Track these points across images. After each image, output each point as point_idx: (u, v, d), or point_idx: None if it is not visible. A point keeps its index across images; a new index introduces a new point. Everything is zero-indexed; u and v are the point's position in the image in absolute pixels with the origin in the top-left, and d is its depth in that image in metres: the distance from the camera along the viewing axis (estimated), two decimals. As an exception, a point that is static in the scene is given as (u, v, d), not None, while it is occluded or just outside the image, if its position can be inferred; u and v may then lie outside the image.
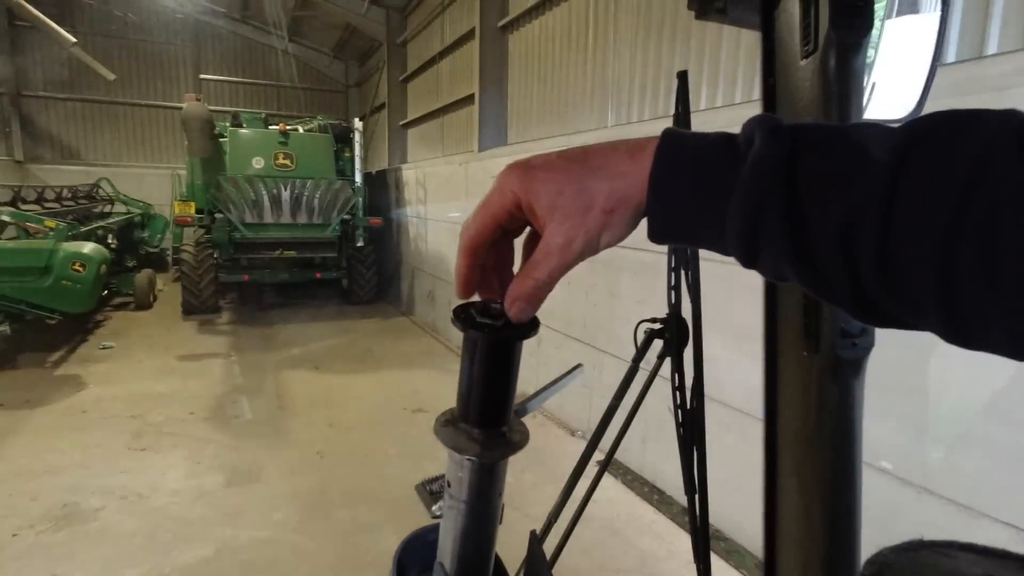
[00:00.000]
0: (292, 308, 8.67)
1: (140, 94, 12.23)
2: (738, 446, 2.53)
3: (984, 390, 1.79)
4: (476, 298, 0.41)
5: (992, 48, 1.94)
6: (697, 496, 1.12)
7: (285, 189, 7.57)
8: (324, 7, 9.67)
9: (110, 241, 7.45)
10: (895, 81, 0.97)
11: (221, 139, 7.98)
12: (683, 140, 0.37)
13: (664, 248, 1.27)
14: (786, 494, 0.57)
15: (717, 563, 2.70)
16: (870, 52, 0.90)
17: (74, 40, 7.73)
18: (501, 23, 5.94)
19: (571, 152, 0.39)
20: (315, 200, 7.76)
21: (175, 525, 3.04)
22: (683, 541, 2.75)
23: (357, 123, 8.33)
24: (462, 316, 0.38)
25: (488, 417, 0.40)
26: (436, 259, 7.59)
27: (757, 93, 2.41)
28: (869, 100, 0.85)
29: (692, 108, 3.81)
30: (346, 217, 8.15)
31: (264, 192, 7.47)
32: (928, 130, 0.31)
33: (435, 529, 0.45)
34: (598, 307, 4.05)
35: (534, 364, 5.01)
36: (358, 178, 8.26)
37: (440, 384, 5.41)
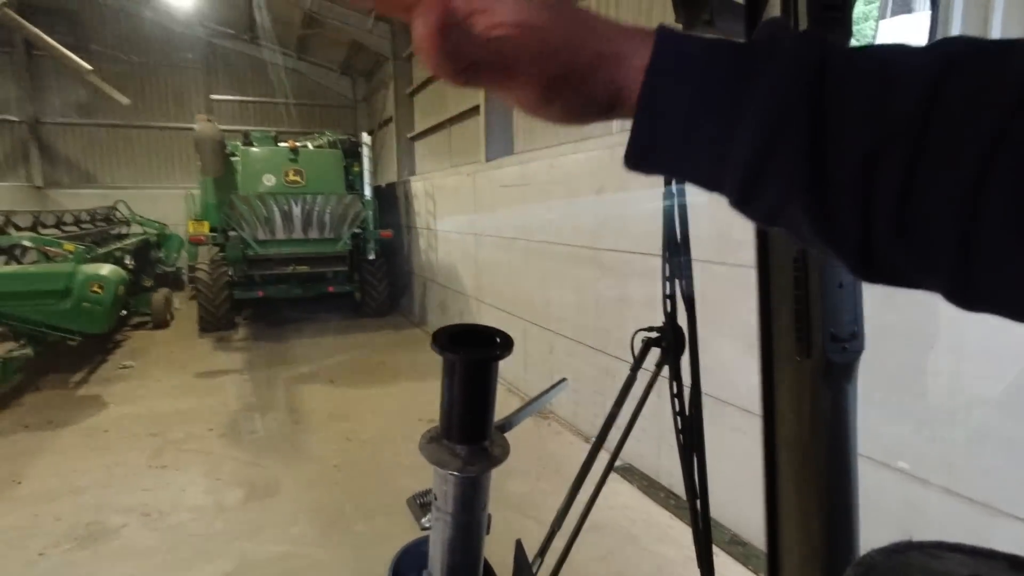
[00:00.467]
0: (306, 322, 8.75)
1: (153, 117, 12.48)
2: (753, 450, 2.51)
3: (997, 385, 1.77)
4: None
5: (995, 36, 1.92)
6: (698, 501, 1.13)
7: (296, 205, 7.69)
8: (330, 25, 9.82)
9: (127, 262, 7.59)
10: None
11: (232, 158, 8.12)
12: (686, 42, 0.32)
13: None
14: (785, 495, 0.57)
15: (735, 568, 2.67)
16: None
17: (90, 68, 7.92)
18: (505, 33, 5.95)
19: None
20: (326, 215, 7.87)
21: (196, 541, 3.08)
22: (701, 547, 2.73)
23: (365, 137, 8.43)
24: (440, 339, 0.40)
25: (469, 433, 0.43)
26: (447, 270, 7.58)
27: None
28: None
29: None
30: (357, 231, 8.24)
31: (276, 209, 7.60)
32: (965, 57, 0.27)
33: (427, 540, 0.47)
34: (609, 314, 4.05)
35: (547, 372, 5.01)
36: (367, 192, 8.36)
37: None
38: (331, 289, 8.51)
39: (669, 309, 1.24)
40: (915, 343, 2.03)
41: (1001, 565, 0.35)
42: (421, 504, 0.47)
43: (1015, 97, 0.25)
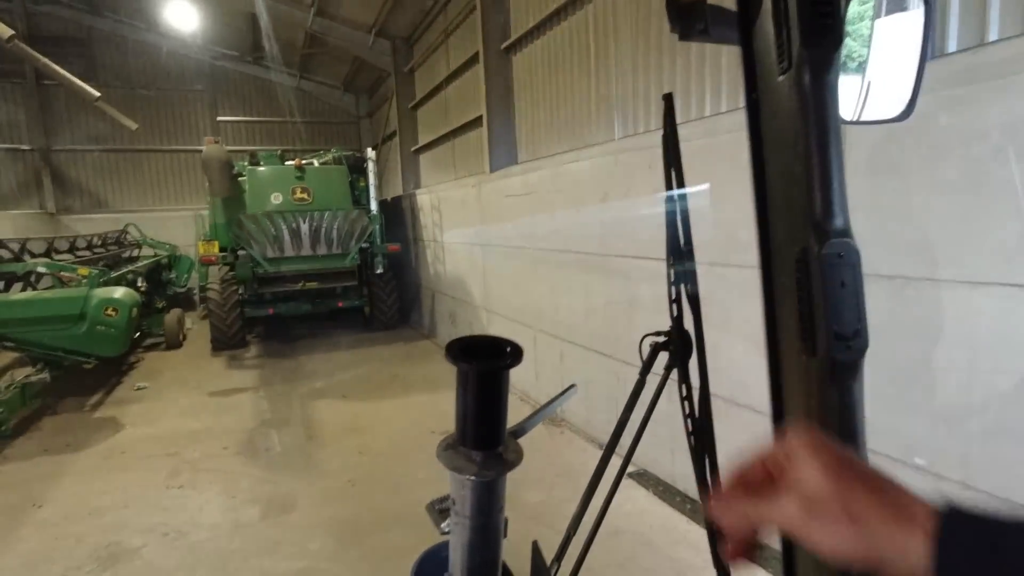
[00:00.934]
0: (317, 338, 8.81)
1: (161, 140, 12.67)
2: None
3: (1013, 379, 1.75)
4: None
5: (993, 35, 1.93)
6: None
7: (304, 222, 7.79)
8: (332, 43, 9.95)
9: (139, 284, 7.70)
10: (890, 80, 0.99)
11: (240, 178, 8.26)
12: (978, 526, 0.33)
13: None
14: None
15: (752, 569, 2.64)
16: (863, 52, 0.89)
17: (98, 95, 8.05)
18: (504, 45, 6.05)
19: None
20: (333, 231, 7.97)
21: (214, 559, 3.10)
22: (720, 551, 2.72)
23: (370, 152, 8.58)
24: (453, 350, 0.43)
25: (484, 440, 0.45)
26: (455, 281, 7.63)
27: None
28: (865, 101, 0.87)
29: (696, 116, 3.83)
30: (364, 245, 8.33)
31: (284, 226, 7.69)
32: None
33: (446, 546, 0.49)
34: (618, 319, 4.05)
35: (558, 379, 5.00)
36: (373, 206, 8.49)
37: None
38: (340, 304, 8.60)
39: (675, 313, 1.25)
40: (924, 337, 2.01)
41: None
42: (440, 510, 0.48)
43: None
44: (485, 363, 0.43)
